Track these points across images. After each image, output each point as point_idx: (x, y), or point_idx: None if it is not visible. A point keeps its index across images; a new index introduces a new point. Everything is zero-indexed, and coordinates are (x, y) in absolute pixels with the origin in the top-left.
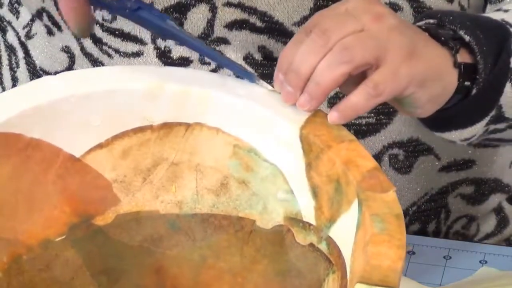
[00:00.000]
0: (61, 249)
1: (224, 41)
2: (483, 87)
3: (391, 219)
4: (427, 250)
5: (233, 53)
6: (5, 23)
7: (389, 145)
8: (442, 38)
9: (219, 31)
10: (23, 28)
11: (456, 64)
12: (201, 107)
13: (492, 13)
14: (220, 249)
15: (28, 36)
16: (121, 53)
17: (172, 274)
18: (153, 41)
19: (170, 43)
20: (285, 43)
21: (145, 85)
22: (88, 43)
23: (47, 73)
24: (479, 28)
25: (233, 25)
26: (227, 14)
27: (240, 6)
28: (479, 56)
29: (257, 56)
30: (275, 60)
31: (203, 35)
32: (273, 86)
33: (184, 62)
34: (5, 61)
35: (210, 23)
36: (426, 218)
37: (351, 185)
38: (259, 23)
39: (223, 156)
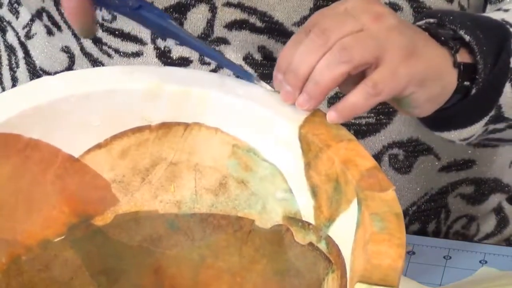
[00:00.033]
0: (60, 249)
1: (224, 41)
2: (482, 87)
3: (390, 218)
4: (427, 250)
5: (233, 53)
6: (4, 23)
7: (389, 145)
8: (442, 37)
9: (219, 31)
10: (23, 28)
11: (456, 64)
12: (201, 107)
13: (492, 13)
14: (219, 249)
15: (28, 36)
16: (121, 53)
17: (171, 274)
18: (153, 41)
19: (170, 43)
20: (285, 43)
21: (144, 85)
22: (87, 43)
23: (47, 73)
24: (479, 28)
25: (233, 25)
26: (227, 14)
27: (240, 6)
28: (479, 56)
29: (257, 56)
30: (275, 60)
31: (203, 35)
32: (272, 86)
33: (184, 62)
34: (5, 61)
35: (210, 23)
36: (426, 218)
37: (350, 184)
38: (259, 23)
39: (222, 156)
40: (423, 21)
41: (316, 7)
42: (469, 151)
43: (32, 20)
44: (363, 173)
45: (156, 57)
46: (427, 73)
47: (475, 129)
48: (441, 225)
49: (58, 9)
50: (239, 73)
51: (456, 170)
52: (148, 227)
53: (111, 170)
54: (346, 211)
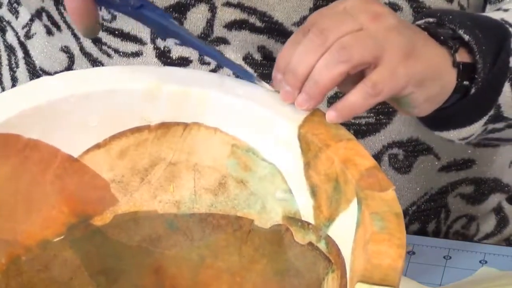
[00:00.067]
0: (60, 249)
1: (224, 41)
2: (481, 87)
3: (390, 218)
4: (427, 250)
5: (233, 53)
6: (4, 23)
7: (389, 145)
8: (441, 37)
9: (218, 31)
10: (23, 28)
11: (455, 64)
12: (200, 107)
13: (491, 13)
14: (219, 249)
15: (28, 36)
16: (121, 53)
17: (170, 274)
18: (153, 41)
19: (169, 43)
20: (284, 43)
21: (144, 85)
22: (87, 43)
23: (47, 73)
24: (478, 27)
25: (232, 25)
26: (226, 14)
27: (240, 6)
28: (478, 56)
29: (257, 56)
30: (274, 60)
31: (202, 35)
32: (272, 86)
33: (183, 62)
34: (4, 61)
35: (210, 23)
36: (426, 218)
37: (349, 184)
38: (258, 23)
39: (221, 156)
40: (423, 21)
41: (315, 7)
42: (469, 151)
43: (31, 20)
44: (362, 172)
45: (156, 57)
46: (426, 72)
47: (474, 129)
48: (441, 225)
49: (57, 9)
50: (240, 73)
51: (456, 170)
52: (147, 227)
53: (110, 170)
54: (346, 211)
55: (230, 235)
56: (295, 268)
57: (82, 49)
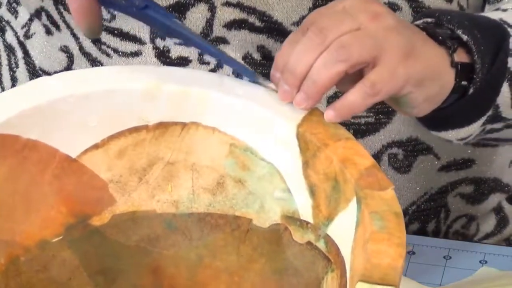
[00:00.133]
0: (58, 249)
1: (223, 40)
2: (480, 87)
3: (390, 217)
4: (427, 250)
5: (232, 53)
6: (3, 22)
7: (388, 144)
8: (440, 37)
9: (218, 30)
10: (22, 27)
11: (453, 64)
12: (200, 107)
13: (490, 13)
14: (217, 248)
15: (27, 35)
16: (120, 53)
17: (169, 274)
18: (152, 40)
19: (169, 42)
20: None
21: (143, 85)
22: (86, 43)
23: (46, 73)
24: (477, 27)
25: (232, 25)
26: (226, 14)
27: (239, 6)
28: (476, 56)
29: (256, 56)
30: (274, 59)
31: (202, 34)
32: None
33: (183, 61)
34: (4, 61)
35: (209, 23)
36: (425, 218)
37: (349, 183)
38: (258, 23)
39: (219, 155)
40: (421, 21)
41: (315, 7)
42: (469, 151)
43: (31, 20)
44: (362, 172)
45: (155, 56)
46: (425, 72)
47: (473, 129)
48: (440, 225)
49: (57, 9)
50: (243, 72)
51: (455, 169)
52: (145, 227)
53: (108, 170)
54: (345, 210)
55: (229, 234)
56: (294, 267)
57: (81, 48)
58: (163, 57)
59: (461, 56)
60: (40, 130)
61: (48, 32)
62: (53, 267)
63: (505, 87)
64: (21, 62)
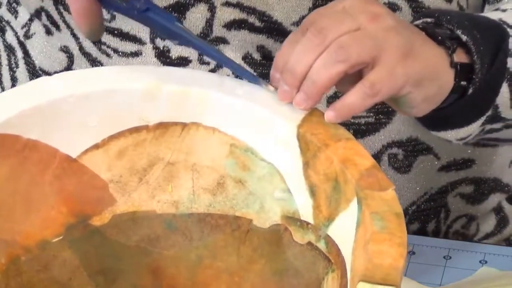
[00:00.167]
0: (59, 249)
1: (223, 40)
2: (479, 87)
3: (391, 217)
4: (427, 250)
5: (232, 53)
6: (3, 23)
7: (388, 144)
8: (439, 37)
9: (218, 30)
10: (22, 27)
11: (453, 64)
12: (200, 107)
13: (490, 13)
14: (217, 249)
15: (27, 36)
16: (120, 53)
17: (169, 274)
18: (152, 40)
19: (168, 42)
20: None
21: (143, 85)
22: (86, 43)
23: (46, 73)
24: (476, 28)
25: (232, 25)
26: (225, 14)
27: (239, 6)
28: (475, 56)
29: (256, 56)
30: (274, 59)
31: (202, 34)
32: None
33: (183, 62)
34: (4, 61)
35: (209, 23)
36: (425, 218)
37: (349, 184)
38: (257, 23)
39: (220, 156)
40: (420, 21)
41: (315, 7)
42: (469, 151)
43: (31, 20)
44: (362, 172)
45: (155, 56)
46: (424, 73)
47: (472, 129)
48: (440, 225)
49: (57, 9)
50: (248, 78)
51: (455, 169)
52: (145, 227)
53: (108, 170)
54: (346, 211)
55: (229, 235)
56: (294, 268)
57: (81, 49)
58: (163, 57)
59: (460, 56)
60: (40, 130)
61: (48, 32)
62: (53, 267)
63: (504, 87)
64: (21, 62)
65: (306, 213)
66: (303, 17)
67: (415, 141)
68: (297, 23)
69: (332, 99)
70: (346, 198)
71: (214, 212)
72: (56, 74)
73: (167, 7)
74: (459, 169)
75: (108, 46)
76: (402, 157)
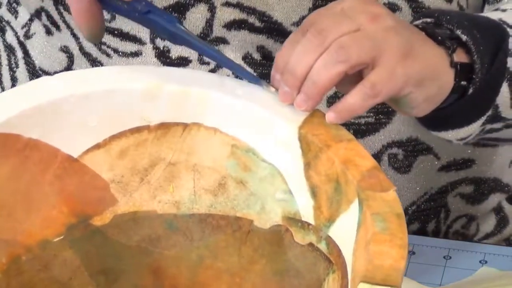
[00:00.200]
0: (59, 249)
1: (223, 41)
2: (479, 87)
3: (392, 218)
4: (427, 250)
5: (232, 53)
6: (3, 23)
7: (388, 144)
8: (439, 37)
9: (218, 31)
10: (22, 28)
11: (453, 64)
12: (200, 107)
13: (489, 13)
14: (218, 249)
15: (27, 36)
16: (120, 53)
17: (170, 274)
18: (152, 40)
19: (168, 42)
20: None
21: (144, 85)
22: (86, 43)
23: (46, 73)
24: (476, 27)
25: (232, 25)
26: (225, 14)
27: (239, 6)
28: (475, 56)
29: (256, 56)
30: (274, 60)
31: (202, 35)
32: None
33: (183, 62)
34: (4, 61)
35: (209, 23)
36: (425, 218)
37: (350, 185)
38: (258, 23)
39: (221, 156)
40: (420, 21)
41: (315, 7)
42: (469, 151)
43: (31, 20)
44: (363, 173)
45: (155, 56)
46: (424, 73)
47: (472, 129)
48: (440, 225)
49: (57, 9)
50: (249, 78)
51: (455, 169)
52: (146, 227)
53: (110, 170)
54: (347, 212)
55: (230, 235)
56: (295, 268)
57: (81, 49)
58: (163, 57)
59: (460, 56)
60: (41, 130)
61: (48, 32)
62: (54, 267)
63: (504, 87)
64: (21, 62)
65: (307, 214)
66: (303, 18)
67: (415, 141)
68: (297, 23)
69: (332, 100)
70: (347, 199)
71: (215, 212)
72: (56, 74)
73: (167, 7)
74: (459, 169)
75: (108, 46)
76: (402, 157)
